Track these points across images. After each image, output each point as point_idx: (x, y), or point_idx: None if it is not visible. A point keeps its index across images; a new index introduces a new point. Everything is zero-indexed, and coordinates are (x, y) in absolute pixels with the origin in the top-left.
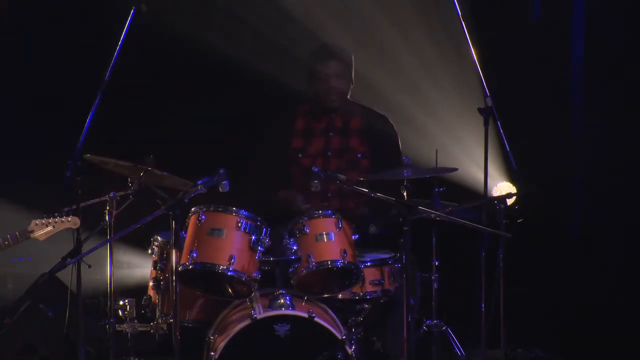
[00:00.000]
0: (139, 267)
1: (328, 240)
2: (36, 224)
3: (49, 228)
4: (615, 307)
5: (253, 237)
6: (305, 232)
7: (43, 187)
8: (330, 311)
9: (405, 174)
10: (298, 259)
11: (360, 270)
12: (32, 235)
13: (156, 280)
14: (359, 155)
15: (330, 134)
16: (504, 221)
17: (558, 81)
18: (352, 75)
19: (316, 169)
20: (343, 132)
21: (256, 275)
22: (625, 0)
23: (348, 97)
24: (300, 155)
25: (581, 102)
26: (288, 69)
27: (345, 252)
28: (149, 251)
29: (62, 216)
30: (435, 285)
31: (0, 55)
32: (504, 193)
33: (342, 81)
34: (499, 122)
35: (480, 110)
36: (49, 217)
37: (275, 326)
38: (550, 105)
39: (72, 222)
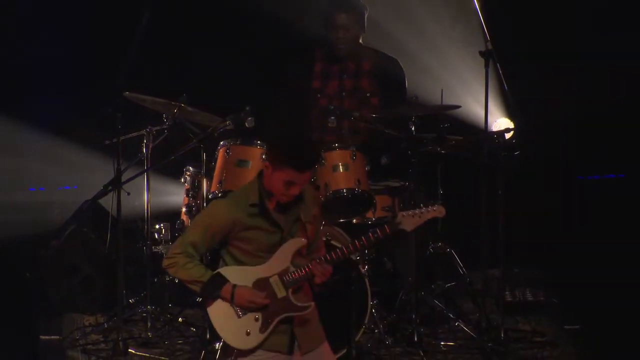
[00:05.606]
0: (173, 195)
1: (344, 170)
2: (403, 216)
3: (416, 219)
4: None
5: None
6: (323, 163)
7: (86, 122)
8: (345, 234)
9: (414, 112)
10: (317, 188)
11: (373, 198)
12: (399, 227)
13: (188, 206)
14: (367, 95)
15: (345, 76)
16: (503, 153)
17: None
18: (364, 24)
19: (332, 106)
20: (355, 74)
21: None
22: None
23: (360, 42)
24: (318, 96)
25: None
26: (309, 14)
27: (359, 181)
28: (182, 180)
29: (427, 207)
30: None
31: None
32: (502, 128)
33: (349, 32)
34: (498, 64)
35: (481, 53)
36: (414, 209)
37: None
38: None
39: (437, 210)
